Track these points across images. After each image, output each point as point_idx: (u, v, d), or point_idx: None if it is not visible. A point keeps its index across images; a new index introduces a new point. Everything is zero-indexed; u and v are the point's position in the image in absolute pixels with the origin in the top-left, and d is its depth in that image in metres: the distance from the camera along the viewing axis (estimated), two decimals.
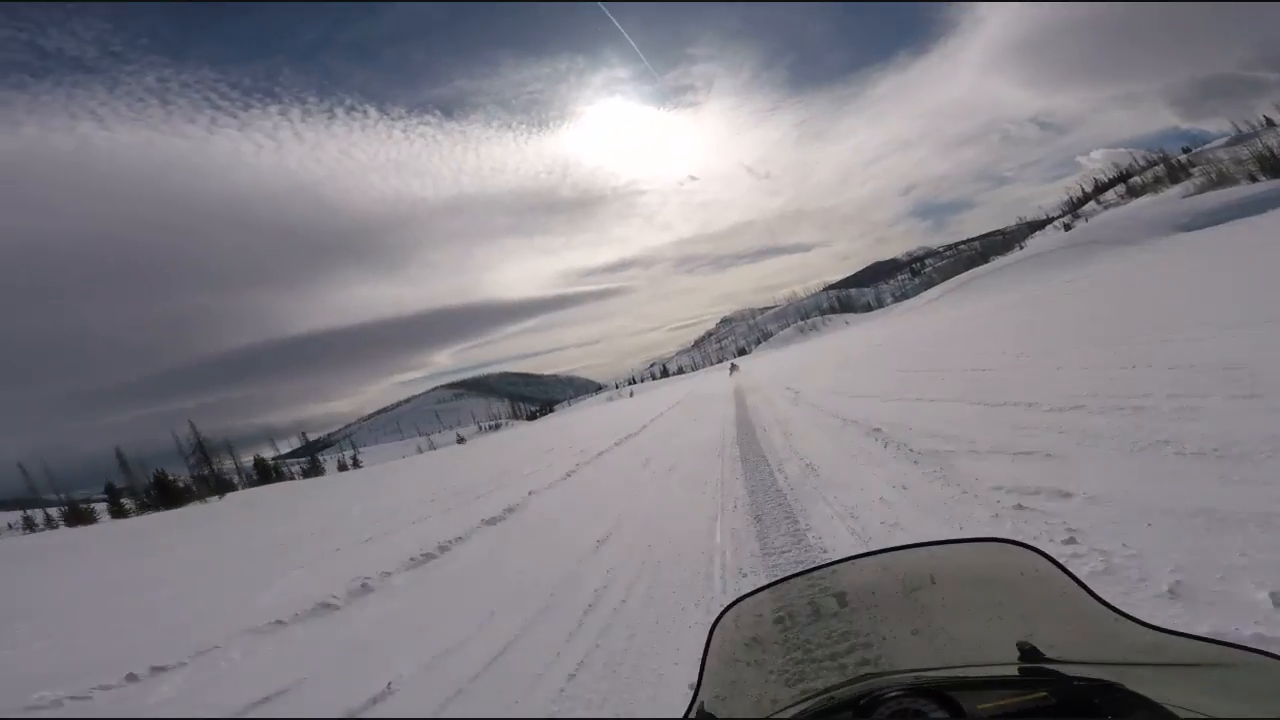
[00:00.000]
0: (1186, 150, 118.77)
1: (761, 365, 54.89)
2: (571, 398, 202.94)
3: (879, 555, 1.10)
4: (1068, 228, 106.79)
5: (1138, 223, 62.53)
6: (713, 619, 1.06)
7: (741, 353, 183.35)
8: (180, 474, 49.26)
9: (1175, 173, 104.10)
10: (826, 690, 0.96)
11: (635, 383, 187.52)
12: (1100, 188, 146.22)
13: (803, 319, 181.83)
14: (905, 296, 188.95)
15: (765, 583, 1.13)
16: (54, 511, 45.48)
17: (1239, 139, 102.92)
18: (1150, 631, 0.79)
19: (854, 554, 1.13)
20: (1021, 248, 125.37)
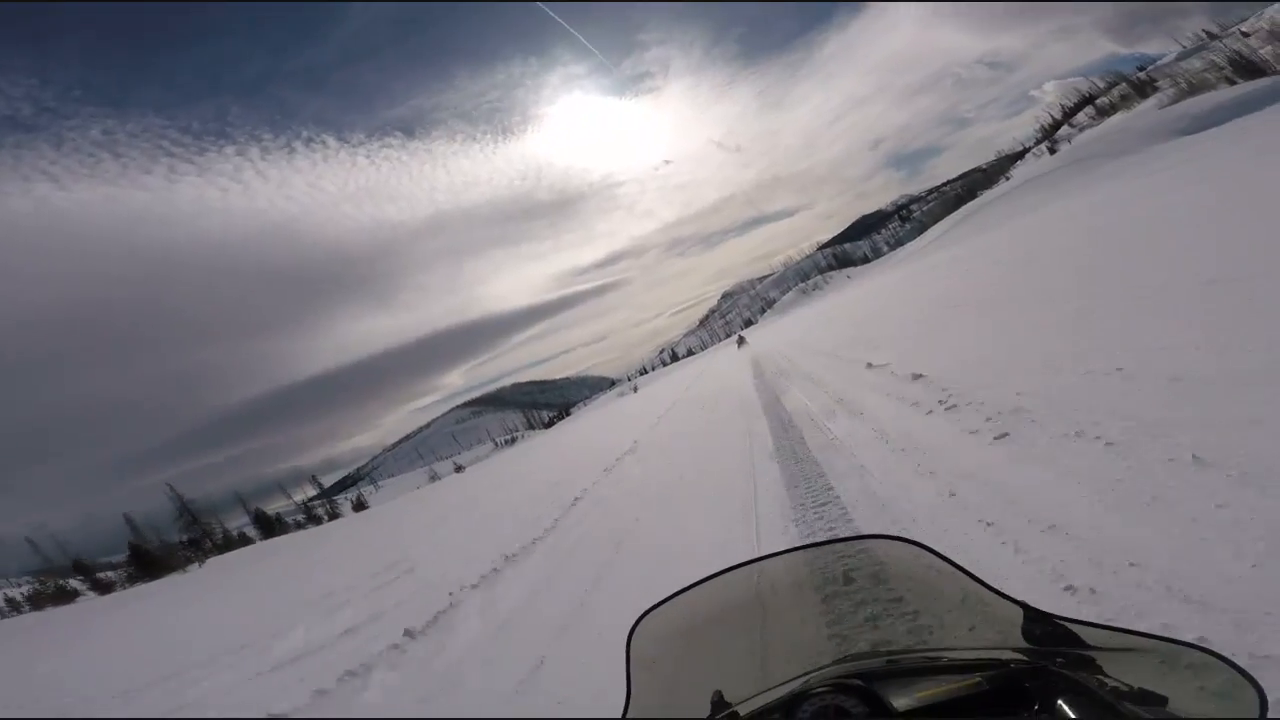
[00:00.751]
0: (1141, 69, 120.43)
1: (768, 335, 51.68)
2: (587, 397, 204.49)
3: (793, 553, 1.12)
4: (1052, 151, 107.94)
5: (1130, 134, 61.72)
6: (628, 630, 1.04)
7: (748, 324, 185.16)
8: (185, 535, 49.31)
9: (1140, 89, 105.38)
10: (765, 690, 0.94)
11: (645, 373, 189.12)
12: (1069, 111, 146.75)
13: (803, 280, 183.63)
14: (901, 243, 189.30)
15: (678, 589, 1.07)
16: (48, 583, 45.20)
17: (1188, 53, 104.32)
18: (1059, 622, 0.83)
19: (764, 555, 1.13)
20: (1008, 178, 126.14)
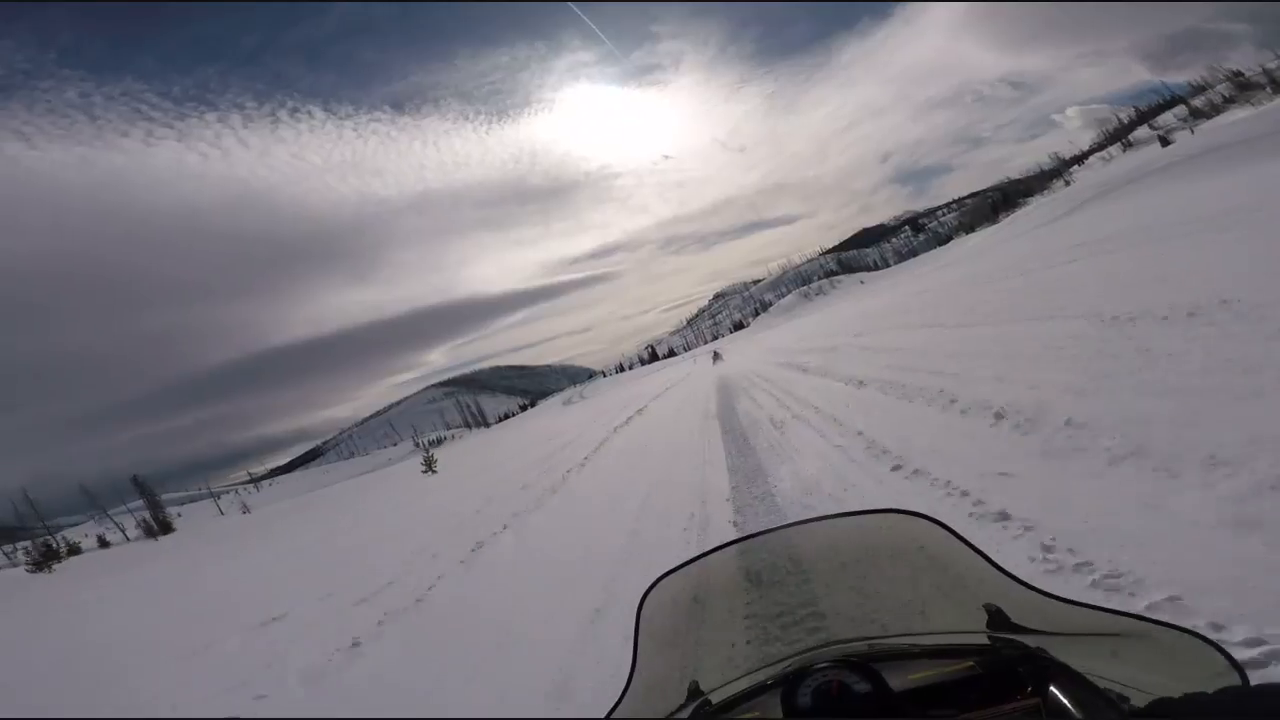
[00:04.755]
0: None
1: (758, 353, 30.82)
2: (565, 388, 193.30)
3: (799, 526, 1.09)
4: (1124, 147, 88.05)
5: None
6: (639, 597, 1.04)
7: (738, 327, 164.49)
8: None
9: (1250, 89, 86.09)
10: (766, 665, 0.96)
11: (623, 369, 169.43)
12: (1154, 110, 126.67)
13: (804, 284, 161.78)
14: (914, 253, 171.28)
15: (689, 557, 1.07)
16: None
17: None
18: (1066, 606, 0.81)
19: (772, 527, 1.10)
20: (1068, 183, 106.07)
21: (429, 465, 24.33)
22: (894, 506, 1.02)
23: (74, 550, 35.36)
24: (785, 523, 1.12)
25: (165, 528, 48.07)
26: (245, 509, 45.60)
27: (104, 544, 39.32)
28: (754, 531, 1.12)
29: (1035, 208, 72.34)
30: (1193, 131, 68.33)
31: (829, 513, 1.10)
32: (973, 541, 0.92)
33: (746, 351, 42.27)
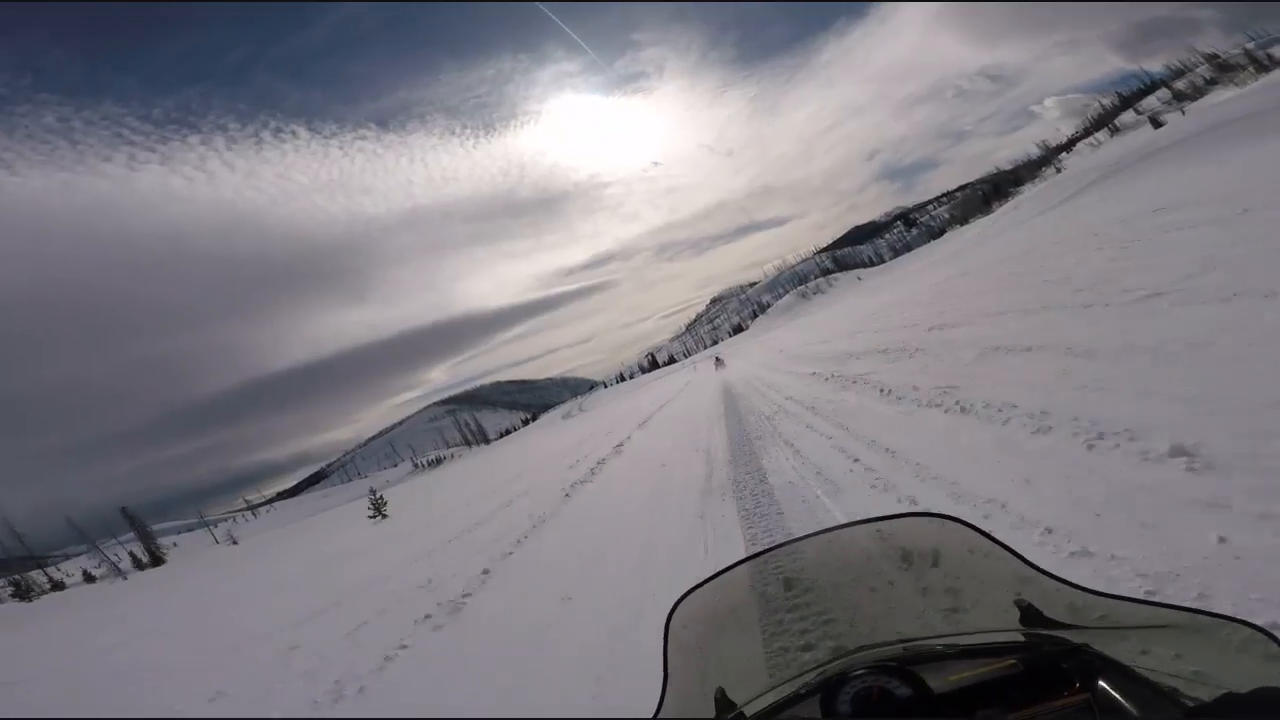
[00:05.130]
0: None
1: (767, 358, 27.63)
2: (567, 399, 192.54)
3: (823, 535, 1.09)
4: (1113, 132, 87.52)
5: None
6: (666, 613, 1.02)
7: (738, 330, 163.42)
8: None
9: (1231, 70, 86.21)
10: (800, 674, 0.95)
11: (624, 379, 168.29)
12: (1137, 94, 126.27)
13: (802, 283, 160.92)
14: (908, 248, 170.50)
15: (714, 571, 1.06)
16: None
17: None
18: (1100, 599, 0.80)
19: (798, 536, 1.11)
20: (1059, 169, 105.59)
21: (377, 510, 20.76)
22: (918, 510, 0.96)
23: (57, 586, 34.15)
24: (808, 533, 1.10)
25: (156, 560, 47.00)
26: (233, 540, 44.22)
27: (89, 578, 38.05)
28: (778, 543, 1.10)
29: (1034, 193, 71.63)
30: (1184, 113, 67.73)
31: (851, 520, 1.09)
32: (1004, 541, 0.90)
33: (752, 355, 38.98)
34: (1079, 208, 26.01)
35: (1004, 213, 72.20)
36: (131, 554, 46.91)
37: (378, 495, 21.73)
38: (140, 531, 48.31)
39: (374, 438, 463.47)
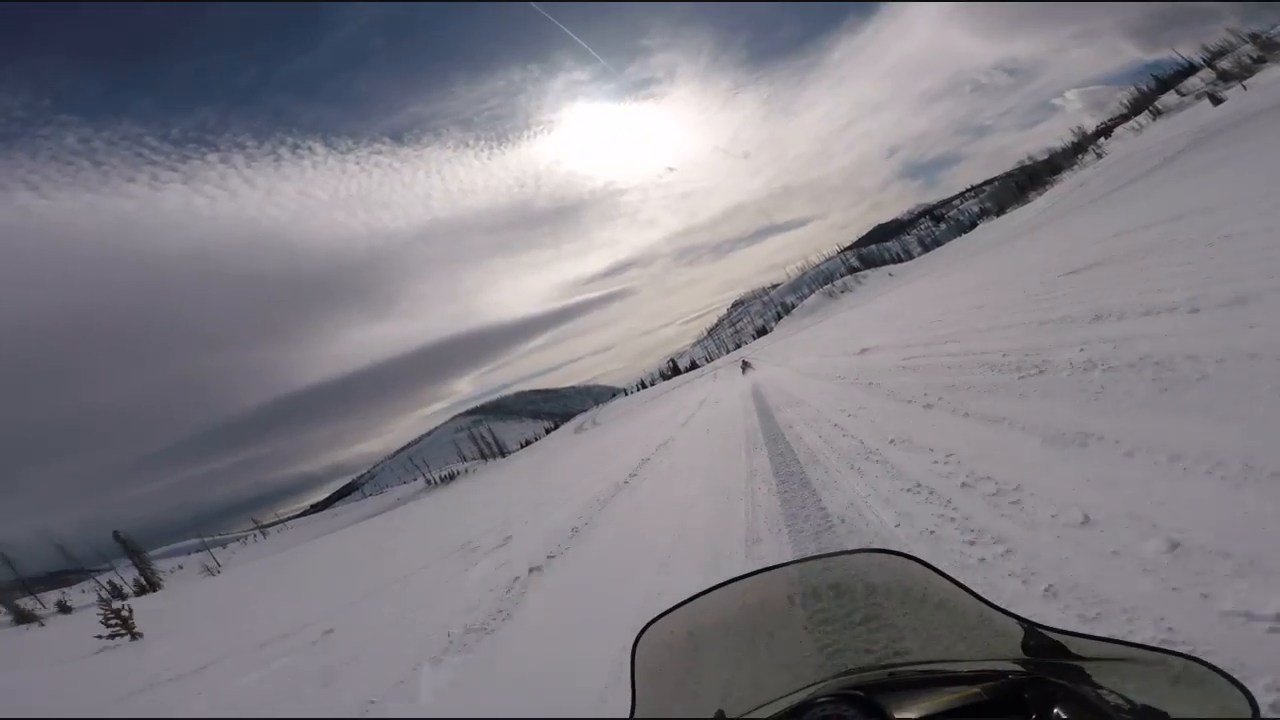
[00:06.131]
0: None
1: (810, 362, 21.55)
2: (590, 407, 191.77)
3: (788, 566, 1.11)
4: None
5: None
6: (632, 640, 1.05)
7: (762, 332, 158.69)
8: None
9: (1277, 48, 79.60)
10: (763, 703, 0.95)
11: (644, 386, 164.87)
12: (1176, 76, 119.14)
13: (828, 282, 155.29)
14: (937, 243, 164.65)
15: (681, 599, 1.07)
16: None
17: None
18: (1051, 634, 0.82)
19: (763, 567, 1.11)
20: (1100, 155, 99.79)
21: (122, 625, 15.71)
22: (882, 547, 1.04)
23: (28, 617, 31.58)
24: (772, 564, 1.11)
25: (153, 586, 44.77)
26: (216, 569, 41.58)
27: (64, 609, 35.59)
28: (742, 573, 1.10)
29: (1091, 175, 66.50)
30: (1245, 88, 61.98)
31: (817, 553, 1.10)
32: (958, 578, 0.93)
33: (791, 360, 28.69)
34: (1172, 179, 21.62)
35: (1060, 194, 67.13)
36: (137, 579, 44.95)
37: (122, 607, 16.44)
38: (136, 558, 46.20)
39: (403, 449, 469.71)
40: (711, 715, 0.93)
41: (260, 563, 43.13)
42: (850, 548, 1.07)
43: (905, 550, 0.98)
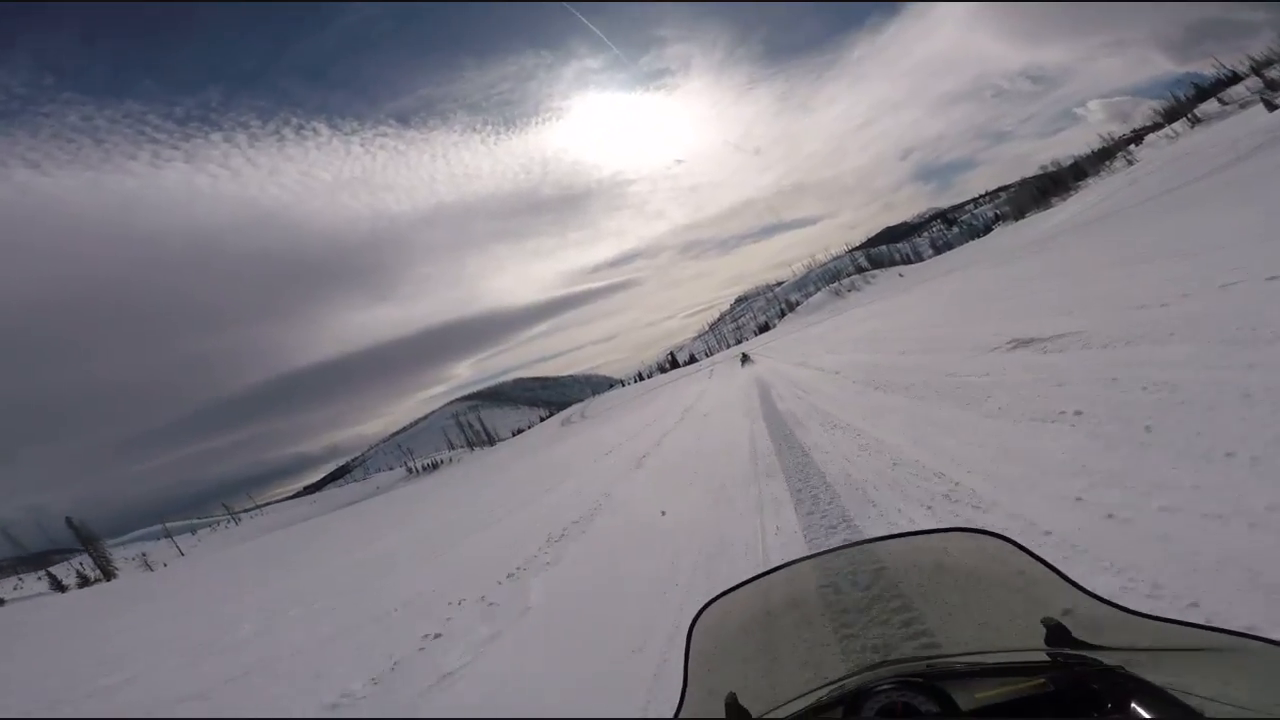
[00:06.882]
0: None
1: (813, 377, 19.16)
2: (587, 397, 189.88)
3: (858, 546, 1.09)
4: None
5: None
6: (691, 617, 1.01)
7: (764, 328, 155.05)
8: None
9: None
10: (823, 685, 0.92)
11: (643, 378, 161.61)
12: (1217, 85, 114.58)
13: (835, 280, 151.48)
14: (949, 246, 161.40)
15: (744, 578, 1.05)
16: None
17: None
18: (1145, 620, 0.77)
19: (833, 547, 1.10)
20: (1130, 162, 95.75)
21: None
22: (962, 525, 0.99)
23: None
24: (845, 543, 1.08)
25: (107, 576, 41.85)
26: (162, 564, 38.40)
27: None
28: (811, 553, 1.07)
29: (1142, 173, 62.96)
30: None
31: (891, 533, 1.07)
32: (1045, 558, 0.89)
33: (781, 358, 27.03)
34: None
35: (1107, 193, 63.40)
36: (97, 565, 41.92)
37: None
38: (89, 545, 43.09)
39: (398, 433, 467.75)
40: (742, 706, 0.88)
41: (213, 558, 40.07)
42: (932, 527, 1.00)
43: (994, 529, 0.92)
